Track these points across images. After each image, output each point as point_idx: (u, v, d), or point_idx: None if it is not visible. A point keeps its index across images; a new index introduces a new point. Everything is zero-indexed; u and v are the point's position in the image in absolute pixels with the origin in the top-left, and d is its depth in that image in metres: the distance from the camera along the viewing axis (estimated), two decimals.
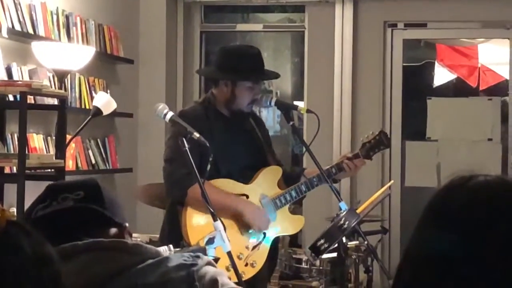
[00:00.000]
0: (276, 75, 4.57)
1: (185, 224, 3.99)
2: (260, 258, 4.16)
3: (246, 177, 4.19)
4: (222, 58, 4.31)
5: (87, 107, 5.89)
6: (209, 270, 1.86)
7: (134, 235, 6.12)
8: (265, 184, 4.23)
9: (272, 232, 4.22)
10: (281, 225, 4.25)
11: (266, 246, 4.19)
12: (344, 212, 3.71)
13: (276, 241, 4.33)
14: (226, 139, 4.12)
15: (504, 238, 1.25)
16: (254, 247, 4.14)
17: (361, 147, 4.41)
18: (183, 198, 3.95)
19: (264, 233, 4.17)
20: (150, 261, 1.71)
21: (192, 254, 1.84)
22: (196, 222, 3.99)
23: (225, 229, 3.36)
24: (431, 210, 1.33)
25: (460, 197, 1.31)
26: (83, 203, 1.79)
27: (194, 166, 3.48)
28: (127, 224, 1.88)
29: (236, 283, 2.98)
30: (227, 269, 3.49)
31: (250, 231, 4.13)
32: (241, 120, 4.27)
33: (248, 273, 4.09)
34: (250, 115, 4.34)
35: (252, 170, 4.23)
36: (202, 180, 3.49)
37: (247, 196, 4.18)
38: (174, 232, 4.02)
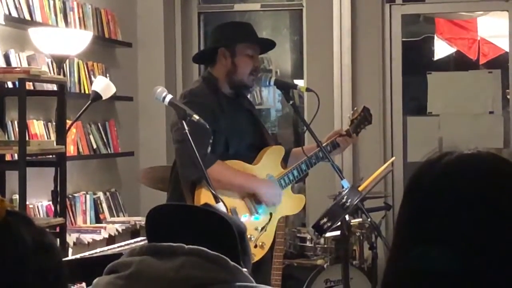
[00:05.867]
0: (272, 42, 4.32)
1: (198, 204, 3.94)
2: (268, 239, 4.15)
3: (249, 157, 4.17)
4: (215, 33, 4.32)
5: (87, 91, 5.87)
6: None
7: (137, 218, 6.19)
8: (270, 164, 4.21)
9: (278, 213, 4.22)
10: (285, 205, 4.24)
11: (272, 226, 4.19)
12: (346, 190, 3.71)
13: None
14: (233, 118, 4.10)
15: (478, 211, 1.26)
16: (262, 228, 4.13)
17: (350, 124, 4.41)
18: (203, 178, 3.86)
19: (271, 214, 4.16)
20: (237, 284, 1.65)
21: None
22: (211, 202, 3.92)
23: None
24: (407, 190, 1.35)
25: (432, 172, 1.32)
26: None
27: (195, 149, 3.46)
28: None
29: None
30: None
31: (259, 210, 4.10)
32: (241, 99, 4.25)
33: (258, 255, 4.08)
34: (249, 92, 4.33)
35: (255, 150, 4.21)
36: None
37: None
38: None
